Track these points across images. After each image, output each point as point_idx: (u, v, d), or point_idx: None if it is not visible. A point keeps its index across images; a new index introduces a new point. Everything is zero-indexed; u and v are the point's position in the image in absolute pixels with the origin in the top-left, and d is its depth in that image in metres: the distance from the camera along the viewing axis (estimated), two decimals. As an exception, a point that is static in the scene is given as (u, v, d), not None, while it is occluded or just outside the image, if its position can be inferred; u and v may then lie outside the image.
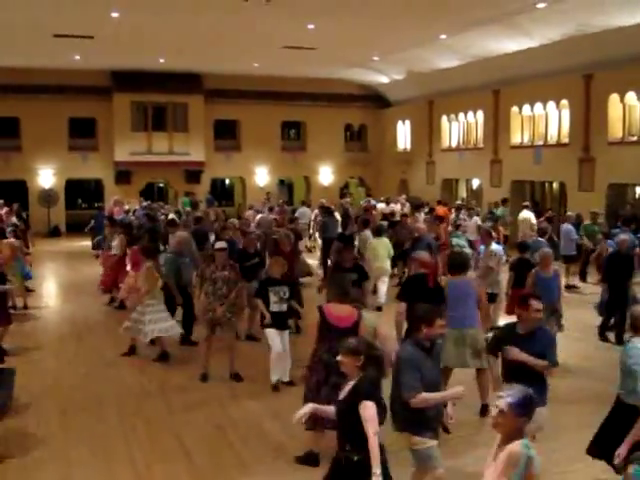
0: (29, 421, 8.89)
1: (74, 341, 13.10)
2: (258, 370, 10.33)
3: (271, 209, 23.40)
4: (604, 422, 6.60)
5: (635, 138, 21.39)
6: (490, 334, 8.91)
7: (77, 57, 27.36)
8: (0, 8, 19.13)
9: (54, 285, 20.07)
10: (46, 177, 31.49)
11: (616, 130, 21.84)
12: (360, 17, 20.43)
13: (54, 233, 30.94)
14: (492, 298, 12.05)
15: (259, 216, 20.73)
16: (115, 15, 20.05)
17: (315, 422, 6.82)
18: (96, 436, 8.39)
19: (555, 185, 26.17)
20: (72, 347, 12.68)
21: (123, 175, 32.05)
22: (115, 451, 7.97)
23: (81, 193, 35.47)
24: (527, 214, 21.20)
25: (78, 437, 8.37)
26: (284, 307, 9.97)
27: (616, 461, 5.89)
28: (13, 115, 30.67)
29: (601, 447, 6.50)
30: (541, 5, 18.71)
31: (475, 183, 30.07)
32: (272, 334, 9.78)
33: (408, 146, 34.14)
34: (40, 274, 19.73)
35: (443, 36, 23.42)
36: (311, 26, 21.68)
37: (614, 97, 21.72)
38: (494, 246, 13.20)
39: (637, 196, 22.91)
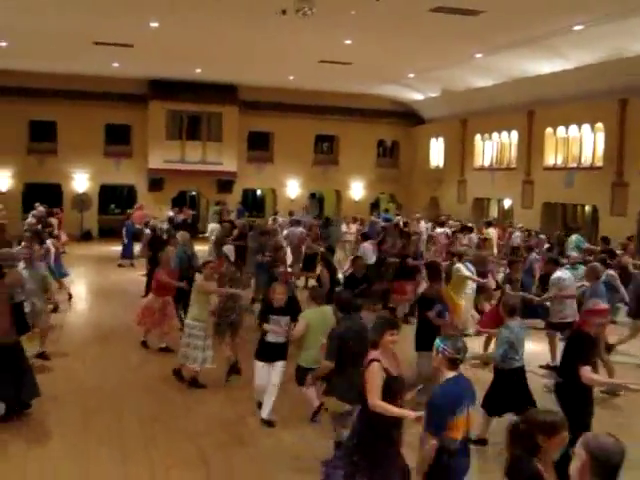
0: (51, 419, 9.05)
1: (100, 345, 13.25)
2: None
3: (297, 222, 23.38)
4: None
5: (670, 164, 21.23)
6: None
7: (116, 64, 27.74)
8: (43, 15, 19.49)
9: (84, 289, 20.27)
10: (80, 181, 31.89)
11: (651, 156, 21.71)
12: (397, 34, 20.52)
13: (86, 237, 31.28)
14: None
15: (285, 231, 21.05)
16: (154, 25, 20.32)
17: None
18: (116, 437, 8.52)
19: (587, 208, 25.97)
20: (97, 350, 12.82)
21: (156, 182, 32.36)
22: (134, 453, 8.08)
23: (114, 198, 35.82)
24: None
25: (98, 437, 8.49)
26: (281, 339, 9.07)
27: None
28: (51, 119, 31.18)
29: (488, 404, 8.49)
30: (577, 27, 18.65)
31: (507, 203, 29.92)
32: (258, 365, 9.14)
33: (440, 164, 34.08)
34: (70, 277, 19.95)
35: (479, 55, 23.41)
36: (348, 41, 21.81)
37: (651, 122, 21.60)
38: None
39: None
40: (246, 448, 8.39)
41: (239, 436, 8.75)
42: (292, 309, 9.28)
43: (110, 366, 11.74)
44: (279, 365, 9.07)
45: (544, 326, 12.66)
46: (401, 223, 24.26)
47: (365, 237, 18.85)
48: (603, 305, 8.11)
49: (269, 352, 9.09)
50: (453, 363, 5.45)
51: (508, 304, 9.01)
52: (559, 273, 12.20)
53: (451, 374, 5.43)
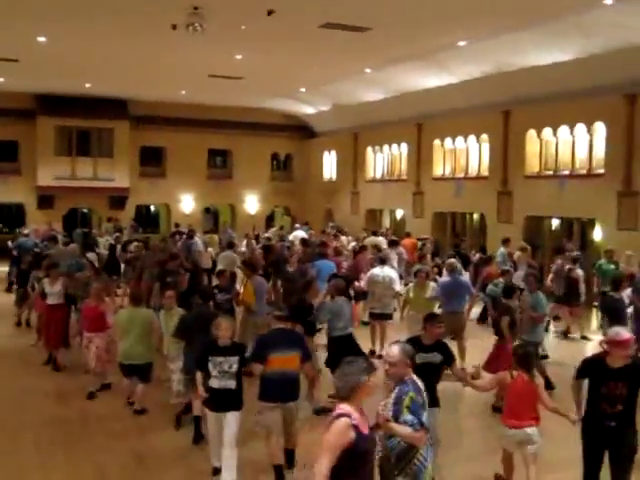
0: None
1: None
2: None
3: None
4: None
5: (551, 172, 22.23)
6: None
7: (1, 79, 26.96)
8: None
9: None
10: (-35, 200, 30.77)
11: (533, 165, 22.68)
12: (287, 49, 20.80)
13: (-29, 258, 30.13)
14: None
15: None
16: (41, 39, 19.91)
17: None
18: (11, 467, 8.20)
19: (475, 216, 26.88)
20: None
21: (46, 200, 31.53)
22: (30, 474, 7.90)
23: (2, 218, 34.69)
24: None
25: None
26: (230, 384, 7.60)
27: None
28: None
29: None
30: (462, 43, 19.38)
31: (399, 214, 30.61)
32: (209, 415, 7.87)
33: (334, 176, 34.58)
34: None
35: (368, 70, 23.96)
36: (239, 56, 21.93)
37: (531, 133, 22.58)
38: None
39: (553, 228, 23.68)
40: (149, 468, 8.31)
41: (142, 456, 8.66)
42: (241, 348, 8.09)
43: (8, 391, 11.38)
44: (232, 417, 7.58)
45: None
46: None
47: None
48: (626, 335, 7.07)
49: (218, 400, 7.65)
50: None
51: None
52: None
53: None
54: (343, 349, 9.94)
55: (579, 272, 16.26)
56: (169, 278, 13.22)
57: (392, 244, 20.71)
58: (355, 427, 4.63)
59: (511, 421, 7.28)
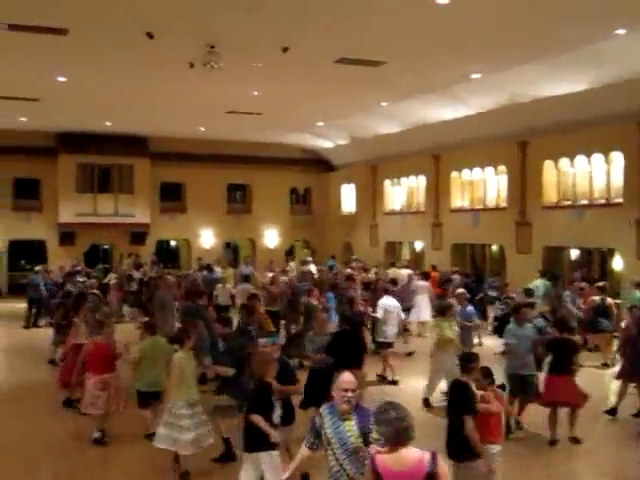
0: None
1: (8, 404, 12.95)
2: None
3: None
4: None
5: (569, 202, 22.19)
6: None
7: (23, 119, 27.42)
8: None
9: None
10: (-12, 238, 31.17)
11: (551, 195, 22.66)
12: (303, 84, 21.01)
13: (-6, 294, 30.53)
14: None
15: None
16: (62, 79, 20.29)
17: None
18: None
19: (495, 247, 26.83)
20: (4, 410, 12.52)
21: (67, 236, 31.88)
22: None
23: (24, 254, 35.06)
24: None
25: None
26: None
27: None
28: (-44, 176, 30.48)
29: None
30: (475, 76, 19.51)
31: (418, 246, 30.61)
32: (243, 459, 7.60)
33: (352, 209, 34.71)
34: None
35: (384, 104, 24.13)
36: (256, 92, 22.18)
37: (548, 163, 22.60)
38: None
39: (573, 258, 23.59)
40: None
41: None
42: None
43: (20, 425, 11.45)
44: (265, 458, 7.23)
45: None
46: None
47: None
48: None
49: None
50: None
51: None
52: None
53: None
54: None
55: (610, 300, 16.52)
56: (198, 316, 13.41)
57: (424, 277, 21.08)
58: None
59: None
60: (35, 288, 22.14)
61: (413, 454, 4.67)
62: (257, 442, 7.09)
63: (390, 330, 14.90)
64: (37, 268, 24.04)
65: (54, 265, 27.20)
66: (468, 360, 7.76)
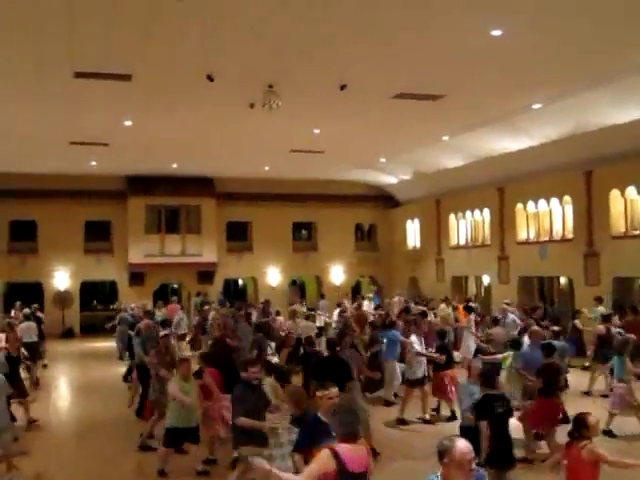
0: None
1: (76, 440, 13.17)
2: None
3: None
4: None
5: (638, 232, 21.68)
6: None
7: (93, 163, 28.28)
8: (19, 119, 20.07)
9: (65, 385, 20.18)
10: (61, 279, 32.04)
11: (619, 224, 22.20)
12: (363, 121, 21.15)
13: (68, 334, 31.23)
14: None
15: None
16: (128, 123, 20.90)
17: None
18: None
19: (562, 280, 26.34)
20: (73, 446, 12.73)
21: (137, 276, 32.56)
22: None
23: (96, 294, 35.92)
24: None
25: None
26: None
27: None
28: (30, 218, 31.54)
29: None
30: (536, 106, 19.33)
31: (485, 280, 30.25)
32: None
33: (417, 244, 34.58)
34: (52, 375, 19.85)
35: (445, 137, 24.10)
36: (317, 130, 22.45)
37: (615, 192, 22.16)
38: None
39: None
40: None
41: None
42: None
43: (85, 462, 11.57)
44: None
45: None
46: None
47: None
48: None
49: None
50: None
51: None
52: None
53: None
54: None
55: None
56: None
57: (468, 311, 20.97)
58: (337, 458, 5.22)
59: None
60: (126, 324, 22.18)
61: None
62: None
63: None
64: (132, 305, 24.58)
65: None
66: None
